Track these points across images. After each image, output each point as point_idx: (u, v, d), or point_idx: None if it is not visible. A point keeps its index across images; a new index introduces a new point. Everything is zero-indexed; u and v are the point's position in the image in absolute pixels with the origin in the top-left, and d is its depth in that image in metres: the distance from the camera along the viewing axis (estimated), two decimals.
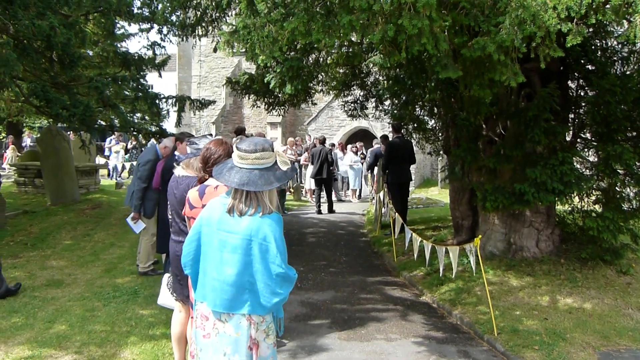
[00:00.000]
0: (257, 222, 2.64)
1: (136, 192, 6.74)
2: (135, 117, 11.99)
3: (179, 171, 4.02)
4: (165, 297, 4.17)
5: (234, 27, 4.93)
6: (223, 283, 2.69)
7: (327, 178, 13.68)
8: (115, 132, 16.38)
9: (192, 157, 3.97)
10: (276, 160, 2.75)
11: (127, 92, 11.27)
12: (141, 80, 11.19)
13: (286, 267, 2.66)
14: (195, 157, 3.85)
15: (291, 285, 2.72)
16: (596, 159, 7.04)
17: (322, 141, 14.47)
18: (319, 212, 13.52)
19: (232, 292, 2.68)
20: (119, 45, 11.89)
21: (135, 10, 10.39)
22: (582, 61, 7.08)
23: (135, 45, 27.16)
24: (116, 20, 10.93)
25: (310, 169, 15.66)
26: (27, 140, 21.95)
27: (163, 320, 5.30)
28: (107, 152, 19.98)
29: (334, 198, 14.63)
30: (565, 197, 6.55)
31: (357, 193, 16.83)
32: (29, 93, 9.70)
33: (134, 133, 10.81)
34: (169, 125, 14.53)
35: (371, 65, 8.03)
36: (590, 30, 6.36)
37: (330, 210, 13.75)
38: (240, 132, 11.20)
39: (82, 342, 4.84)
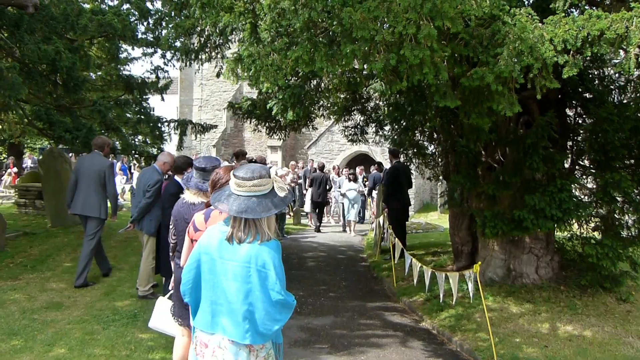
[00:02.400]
0: (256, 250, 2.66)
1: (141, 207, 6.78)
2: (136, 139, 12.07)
3: (188, 197, 4.06)
4: (158, 320, 4.17)
5: (239, 55, 5.03)
6: (223, 311, 2.71)
7: (322, 202, 15.24)
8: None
9: (197, 183, 4.00)
10: (273, 187, 2.77)
11: (129, 115, 11.37)
12: (143, 103, 11.32)
13: (285, 293, 2.67)
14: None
15: (290, 311, 2.73)
16: (594, 186, 7.10)
17: (322, 168, 15.64)
18: (318, 230, 14.98)
19: (232, 320, 2.69)
20: (122, 69, 12.05)
21: (140, 35, 10.55)
22: (580, 89, 7.20)
23: (139, 68, 27.48)
24: (120, 45, 11.10)
25: (309, 193, 15.82)
26: (27, 162, 22.03)
27: (162, 345, 5.29)
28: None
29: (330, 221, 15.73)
30: (564, 223, 6.60)
31: (353, 224, 14.88)
32: (32, 116, 9.81)
33: (136, 156, 10.88)
34: (171, 147, 14.63)
35: (372, 91, 8.17)
36: (587, 59, 6.48)
37: (317, 229, 15.03)
38: (239, 155, 11.26)
39: None
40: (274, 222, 2.83)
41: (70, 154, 13.08)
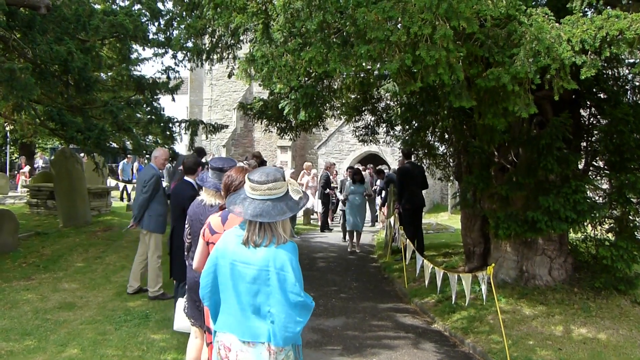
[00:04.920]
0: (273, 253, 2.66)
1: (139, 202, 6.88)
2: (147, 140, 12.11)
3: (206, 198, 4.04)
4: (181, 321, 4.17)
5: (252, 56, 5.02)
6: (243, 313, 2.72)
7: (323, 201, 15.09)
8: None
9: (216, 184, 3.98)
10: (288, 190, 2.78)
11: (140, 115, 11.40)
12: (154, 103, 11.35)
13: (304, 295, 2.68)
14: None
15: (309, 312, 2.74)
16: (609, 188, 7.02)
17: (327, 167, 16.11)
18: (321, 229, 15.08)
19: (251, 323, 2.70)
20: (133, 69, 12.08)
21: (151, 36, 10.57)
22: (595, 90, 7.12)
23: (150, 69, 27.63)
24: (131, 45, 11.13)
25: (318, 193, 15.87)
26: (39, 162, 22.17)
27: (174, 346, 5.29)
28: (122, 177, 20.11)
29: None
30: (578, 225, 6.53)
31: (357, 238, 11.74)
32: (44, 116, 9.85)
33: (147, 156, 10.90)
34: (181, 147, 14.68)
35: (383, 91, 8.14)
36: (603, 59, 6.43)
37: (322, 228, 15.06)
38: (254, 157, 11.21)
39: None
40: (289, 224, 2.83)
41: (82, 154, 13.13)
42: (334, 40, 4.43)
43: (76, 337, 5.56)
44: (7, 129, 16.27)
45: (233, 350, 2.75)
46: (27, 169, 20.61)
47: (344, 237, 12.63)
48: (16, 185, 20.55)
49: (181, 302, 4.17)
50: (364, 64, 4.44)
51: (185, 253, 4.21)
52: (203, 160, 11.59)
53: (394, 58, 4.06)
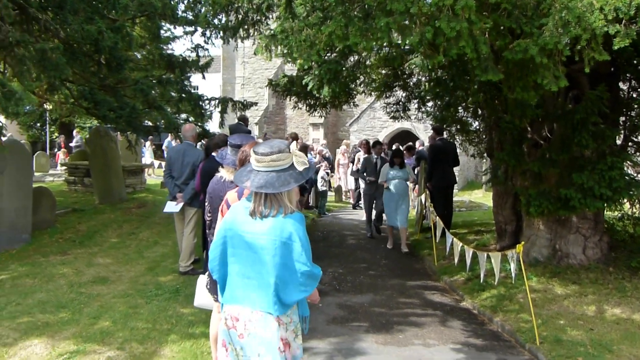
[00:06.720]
0: (280, 223, 2.70)
1: (194, 186, 6.80)
2: (179, 117, 12.23)
3: (225, 175, 4.07)
4: (202, 298, 4.22)
5: (273, 31, 4.96)
6: (251, 284, 2.76)
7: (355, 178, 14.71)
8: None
9: (232, 162, 3.99)
10: (293, 161, 2.80)
11: (172, 94, 11.50)
12: (185, 82, 11.41)
13: (311, 264, 2.71)
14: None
15: (316, 282, 2.78)
16: None
17: (359, 145, 15.36)
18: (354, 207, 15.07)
19: (260, 293, 2.73)
20: (164, 48, 12.15)
21: (180, 14, 10.59)
22: (635, 62, 6.80)
23: (180, 47, 27.83)
24: (161, 24, 11.18)
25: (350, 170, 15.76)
26: (78, 139, 22.73)
27: (203, 319, 5.38)
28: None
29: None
30: (615, 203, 6.31)
31: (405, 234, 9.68)
32: (78, 95, 10.03)
33: (179, 134, 11.02)
34: (213, 125, 14.78)
35: (413, 66, 7.97)
36: None
37: (354, 206, 15.06)
38: (295, 138, 11.16)
39: (125, 339, 4.97)
40: (295, 195, 2.87)
41: (116, 133, 13.37)
42: (356, 13, 4.34)
43: (108, 310, 5.71)
44: (47, 108, 16.71)
45: (241, 320, 2.79)
46: (62, 150, 21.24)
47: (370, 231, 10.84)
48: (56, 164, 21.17)
49: (203, 279, 4.22)
50: (385, 39, 4.32)
51: (207, 230, 4.25)
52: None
53: (414, 31, 3.94)
